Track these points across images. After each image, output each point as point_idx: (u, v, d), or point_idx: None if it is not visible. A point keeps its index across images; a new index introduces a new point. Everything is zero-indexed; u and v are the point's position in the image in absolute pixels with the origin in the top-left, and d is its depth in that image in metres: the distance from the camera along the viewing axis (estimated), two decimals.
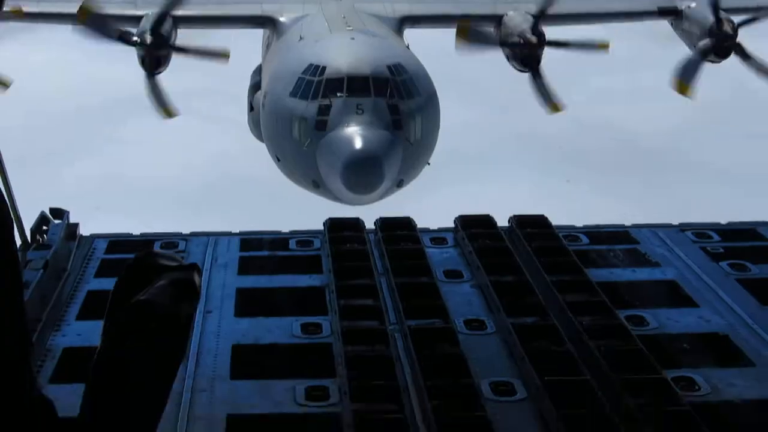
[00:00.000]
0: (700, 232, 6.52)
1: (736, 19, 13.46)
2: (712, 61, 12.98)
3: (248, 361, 4.56)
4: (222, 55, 12.91)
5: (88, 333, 4.37)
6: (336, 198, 11.73)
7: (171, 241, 5.84)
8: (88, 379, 2.14)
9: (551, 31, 13.24)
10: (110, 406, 2.03)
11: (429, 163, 12.62)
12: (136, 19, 13.03)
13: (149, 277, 2.13)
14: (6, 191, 4.99)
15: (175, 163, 27.05)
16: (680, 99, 13.70)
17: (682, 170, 30.81)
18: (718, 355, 4.84)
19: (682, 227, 6.68)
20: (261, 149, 13.43)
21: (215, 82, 14.99)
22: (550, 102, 12.75)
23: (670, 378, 4.32)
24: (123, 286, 2.16)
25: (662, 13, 14.07)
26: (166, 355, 2.11)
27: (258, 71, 14.68)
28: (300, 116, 11.81)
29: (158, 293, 2.07)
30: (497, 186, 25.50)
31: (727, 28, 12.98)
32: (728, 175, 29.05)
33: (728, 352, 4.82)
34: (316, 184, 11.97)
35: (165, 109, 13.05)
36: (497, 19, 13.54)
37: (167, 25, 13.06)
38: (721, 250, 6.09)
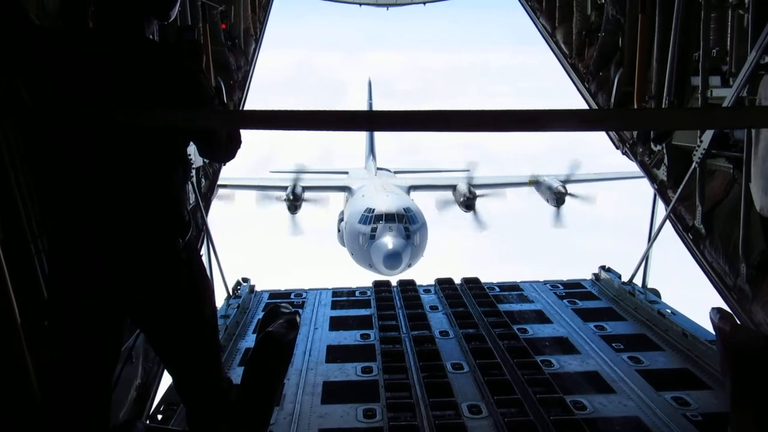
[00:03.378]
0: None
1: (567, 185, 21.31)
2: (555, 206, 20.93)
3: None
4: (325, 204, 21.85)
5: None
6: (379, 272, 18.32)
7: (299, 292, 7.00)
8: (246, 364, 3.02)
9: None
10: (256, 378, 2.89)
11: (423, 256, 20.00)
12: (284, 188, 21.56)
13: (275, 317, 3.02)
14: (218, 265, 6.45)
15: None
16: None
17: None
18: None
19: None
20: (342, 250, 21.58)
21: (322, 217, 23.16)
22: (480, 225, 21.89)
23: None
24: (263, 322, 3.06)
25: (530, 182, 22.18)
26: (281, 358, 2.99)
27: (341, 213, 22.56)
28: (362, 233, 19.24)
29: (277, 327, 2.92)
30: None
31: (561, 189, 20.87)
32: None
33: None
34: (370, 266, 19.12)
35: (296, 230, 21.36)
36: (453, 187, 22.15)
37: (298, 190, 21.12)
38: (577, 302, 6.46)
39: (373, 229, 19.12)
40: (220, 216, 20.33)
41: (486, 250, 42.40)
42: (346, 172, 26.91)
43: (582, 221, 22.73)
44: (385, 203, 19.95)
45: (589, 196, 21.62)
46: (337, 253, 22.44)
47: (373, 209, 19.65)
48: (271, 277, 7.43)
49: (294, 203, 21.21)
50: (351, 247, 20.49)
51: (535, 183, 21.78)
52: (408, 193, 22.57)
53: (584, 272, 7.38)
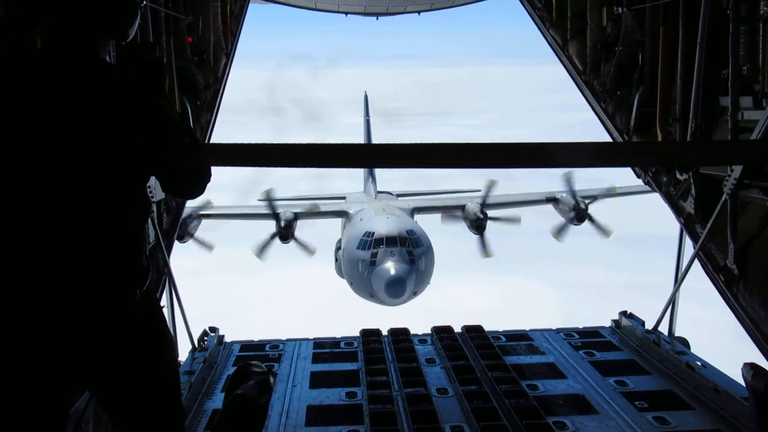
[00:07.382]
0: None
1: (587, 201, 20.38)
2: (575, 225, 20.10)
3: None
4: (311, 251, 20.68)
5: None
6: (382, 302, 17.55)
7: (275, 344, 6.58)
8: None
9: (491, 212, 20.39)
10: None
11: (430, 283, 18.95)
12: (276, 216, 19.94)
13: (245, 377, 3.05)
14: (181, 312, 5.98)
15: None
16: None
17: None
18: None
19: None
20: (341, 281, 20.73)
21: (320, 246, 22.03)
22: (486, 252, 20.79)
23: None
24: (232, 382, 3.10)
25: (548, 200, 21.27)
26: (252, 425, 2.99)
27: (338, 241, 21.38)
28: (362, 259, 18.19)
29: (248, 388, 2.94)
30: None
31: (581, 206, 19.89)
32: None
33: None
34: (371, 295, 18.05)
35: (308, 250, 20.25)
36: (462, 207, 20.78)
37: (292, 218, 20.01)
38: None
39: (374, 255, 18.06)
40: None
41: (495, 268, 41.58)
42: (344, 197, 25.86)
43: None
44: (386, 226, 18.91)
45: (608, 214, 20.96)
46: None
47: (373, 233, 18.62)
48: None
49: (285, 231, 20.09)
50: (350, 276, 19.44)
51: (553, 201, 20.87)
52: (412, 215, 21.39)
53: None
